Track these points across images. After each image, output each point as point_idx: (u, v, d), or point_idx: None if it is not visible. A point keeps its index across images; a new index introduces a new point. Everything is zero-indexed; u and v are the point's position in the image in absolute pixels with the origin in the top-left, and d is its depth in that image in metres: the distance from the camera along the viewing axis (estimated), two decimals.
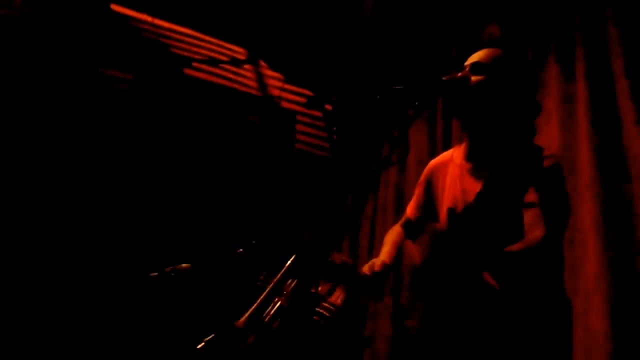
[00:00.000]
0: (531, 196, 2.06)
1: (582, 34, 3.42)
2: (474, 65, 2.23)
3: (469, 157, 2.32)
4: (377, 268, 2.23)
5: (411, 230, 2.55)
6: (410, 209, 2.60)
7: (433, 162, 2.57)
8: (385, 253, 2.39)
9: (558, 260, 2.16)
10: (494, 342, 1.99)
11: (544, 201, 2.04)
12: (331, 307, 3.31)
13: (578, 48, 3.42)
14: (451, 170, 2.37)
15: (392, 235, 2.55)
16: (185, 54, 4.92)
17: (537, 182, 2.07)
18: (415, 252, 2.35)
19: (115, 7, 4.58)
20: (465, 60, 2.31)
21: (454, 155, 2.43)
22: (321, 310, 3.30)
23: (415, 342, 2.17)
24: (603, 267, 3.04)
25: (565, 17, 3.54)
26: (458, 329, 2.04)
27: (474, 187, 2.14)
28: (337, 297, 3.39)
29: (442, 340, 2.07)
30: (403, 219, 2.64)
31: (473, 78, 2.20)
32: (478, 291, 2.03)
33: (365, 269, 2.25)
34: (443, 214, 2.30)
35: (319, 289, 3.39)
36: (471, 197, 2.12)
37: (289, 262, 2.31)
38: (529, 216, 2.03)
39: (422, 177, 2.56)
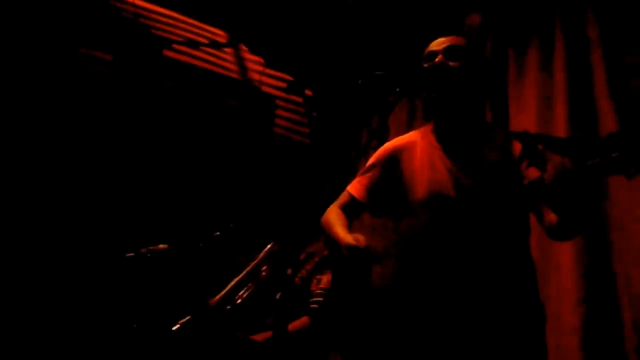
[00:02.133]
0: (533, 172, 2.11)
1: (561, 25, 3.45)
2: (449, 49, 2.26)
3: (437, 136, 2.35)
4: (362, 243, 2.20)
5: (355, 213, 2.46)
6: (357, 191, 2.49)
7: (392, 145, 2.52)
8: (346, 232, 2.31)
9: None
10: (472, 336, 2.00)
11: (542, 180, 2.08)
12: (322, 292, 3.38)
13: (557, 39, 3.45)
14: (422, 151, 2.36)
15: (337, 216, 2.44)
16: (166, 35, 4.89)
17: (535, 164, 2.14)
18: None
19: None
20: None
21: (420, 135, 2.43)
22: (315, 299, 3.36)
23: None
24: (577, 266, 3.07)
25: (546, 8, 3.56)
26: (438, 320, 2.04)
27: (459, 165, 2.17)
28: (326, 282, 3.44)
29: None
30: (345, 200, 2.51)
31: (451, 63, 2.24)
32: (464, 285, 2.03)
33: (352, 242, 2.20)
34: (419, 193, 2.28)
35: (323, 279, 3.44)
36: (462, 176, 2.15)
37: (267, 247, 2.32)
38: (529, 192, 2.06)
39: (380, 159, 2.50)
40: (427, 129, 2.42)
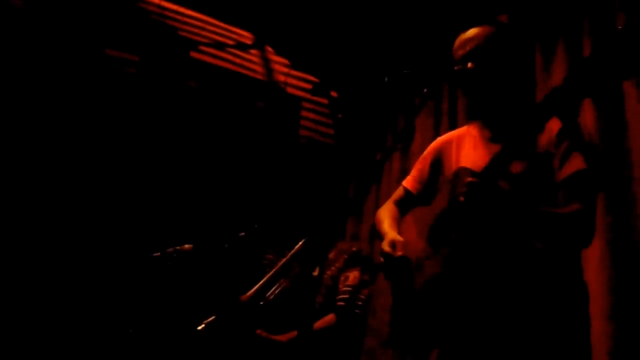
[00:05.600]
0: (577, 163, 2.05)
1: (589, 23, 3.41)
2: (476, 51, 2.22)
3: (487, 129, 2.30)
4: (400, 251, 2.16)
5: (409, 206, 2.45)
6: (410, 184, 2.51)
7: (442, 138, 2.54)
8: (393, 230, 2.30)
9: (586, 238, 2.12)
10: (510, 325, 1.97)
11: (587, 172, 2.05)
12: (349, 289, 3.40)
13: (585, 38, 3.40)
14: (466, 143, 2.35)
15: (388, 212, 2.47)
16: (192, 37, 4.92)
17: (579, 149, 2.07)
18: (415, 230, 2.28)
19: None
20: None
21: (469, 129, 2.41)
22: (341, 296, 3.37)
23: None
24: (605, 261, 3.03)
25: (574, 7, 3.52)
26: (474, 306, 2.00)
27: (494, 150, 2.08)
28: (353, 279, 3.45)
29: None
30: (400, 194, 2.54)
31: (472, 65, 2.19)
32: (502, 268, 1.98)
33: (388, 249, 2.18)
34: (450, 171, 2.28)
35: (350, 276, 3.45)
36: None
37: (297, 246, 2.31)
38: (570, 185, 2.03)
39: (428, 153, 2.51)
40: (478, 122, 2.38)
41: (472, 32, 2.27)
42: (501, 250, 1.98)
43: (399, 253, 2.15)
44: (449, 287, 2.02)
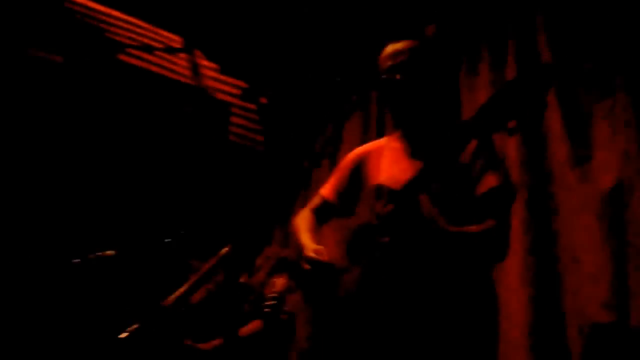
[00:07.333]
0: (491, 180, 2.11)
1: (513, 28, 3.50)
2: (406, 63, 2.24)
3: (407, 141, 2.33)
4: (324, 257, 2.17)
5: (326, 214, 2.45)
6: (327, 192, 2.51)
7: (362, 148, 2.56)
8: (310, 240, 2.29)
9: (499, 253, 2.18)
10: (422, 331, 2.00)
11: (500, 189, 2.11)
12: (276, 295, 3.39)
13: (509, 41, 3.50)
14: (386, 155, 2.37)
15: (305, 221, 2.45)
16: (120, 39, 4.82)
17: (492, 167, 2.14)
18: (333, 239, 2.28)
19: None
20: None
21: (389, 141, 2.44)
22: (268, 302, 3.35)
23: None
24: (525, 270, 3.11)
25: (498, 16, 3.62)
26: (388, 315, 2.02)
27: (415, 166, 2.11)
28: (280, 285, 3.44)
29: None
30: (317, 202, 2.53)
31: (400, 77, 2.21)
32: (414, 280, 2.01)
33: (313, 255, 2.18)
34: (369, 186, 2.30)
35: (277, 282, 3.43)
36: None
37: (222, 251, 2.29)
38: (485, 202, 2.09)
39: (348, 162, 2.52)
40: (398, 134, 2.41)
41: (403, 44, 2.28)
42: (416, 266, 2.02)
43: (325, 259, 2.15)
44: (367, 301, 2.04)
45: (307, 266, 2.17)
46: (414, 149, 2.30)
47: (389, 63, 2.26)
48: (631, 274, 2.78)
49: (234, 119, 5.34)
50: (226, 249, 2.20)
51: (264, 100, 5.35)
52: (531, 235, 3.15)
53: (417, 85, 2.22)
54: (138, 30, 4.94)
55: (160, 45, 4.99)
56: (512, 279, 3.14)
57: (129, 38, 4.88)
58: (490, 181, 2.12)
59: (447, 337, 2.00)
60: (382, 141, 2.52)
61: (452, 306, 2.02)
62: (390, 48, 2.29)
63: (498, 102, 1.83)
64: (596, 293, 2.88)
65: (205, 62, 5.19)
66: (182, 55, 5.11)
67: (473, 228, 2.07)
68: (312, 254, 2.18)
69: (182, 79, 5.10)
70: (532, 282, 3.09)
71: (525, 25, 3.45)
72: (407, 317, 2.00)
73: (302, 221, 2.45)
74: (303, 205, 4.55)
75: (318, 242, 2.27)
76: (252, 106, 5.38)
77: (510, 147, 3.26)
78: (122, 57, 4.80)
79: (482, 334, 2.08)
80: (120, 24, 4.87)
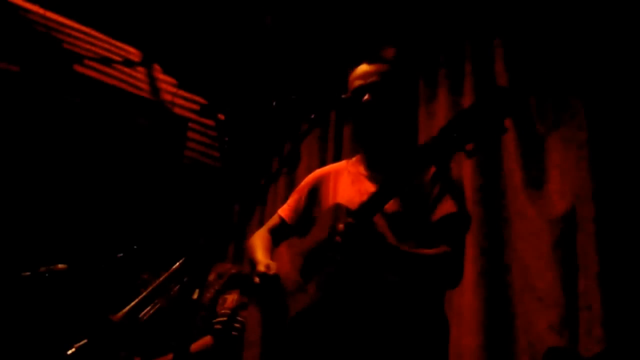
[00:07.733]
0: (447, 207, 2.16)
1: (471, 52, 3.56)
2: (376, 85, 2.26)
3: (366, 165, 2.37)
4: (273, 271, 2.18)
5: (283, 235, 2.47)
6: (285, 213, 2.53)
7: (320, 171, 2.59)
8: (265, 257, 2.31)
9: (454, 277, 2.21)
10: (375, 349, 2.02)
11: (456, 216, 2.15)
12: (227, 312, 3.37)
13: (467, 63, 3.56)
14: (344, 178, 2.40)
15: (261, 240, 2.46)
16: (77, 50, 4.79)
17: (450, 193, 2.18)
18: (287, 257, 2.29)
19: None
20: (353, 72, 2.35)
21: (348, 165, 2.47)
22: (219, 319, 3.34)
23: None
24: (477, 295, 3.15)
25: (456, 39, 3.68)
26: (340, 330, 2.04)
27: (373, 189, 2.12)
28: (231, 301, 3.43)
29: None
30: (275, 222, 2.54)
31: (368, 97, 2.24)
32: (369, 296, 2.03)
33: (263, 269, 2.19)
34: (324, 208, 2.32)
35: (228, 299, 3.41)
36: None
37: (175, 266, 2.28)
38: (440, 227, 2.13)
39: (306, 184, 2.54)
40: (357, 158, 2.45)
41: (375, 66, 2.31)
42: (368, 286, 2.04)
43: (273, 272, 2.17)
44: (319, 320, 2.05)
45: (257, 279, 2.19)
46: (372, 172, 2.34)
47: (360, 83, 2.28)
48: (580, 297, 2.82)
49: (191, 134, 5.33)
50: (178, 263, 2.19)
51: (221, 116, 5.36)
52: (484, 261, 3.17)
53: (385, 107, 2.25)
54: (96, 42, 4.92)
55: (118, 58, 4.97)
56: (464, 303, 3.17)
57: (87, 50, 4.84)
58: (446, 207, 2.16)
59: (394, 356, 2.02)
60: (341, 164, 2.56)
61: (401, 325, 2.05)
62: (362, 68, 2.31)
63: (458, 123, 1.86)
64: (547, 317, 2.90)
65: (163, 77, 5.18)
66: (140, 68, 5.09)
67: (426, 251, 2.11)
68: (263, 268, 2.20)
69: (140, 93, 5.08)
70: (484, 308, 3.11)
71: (482, 49, 3.51)
72: (357, 334, 2.02)
73: (258, 240, 2.46)
74: (259, 222, 4.60)
75: (273, 260, 2.29)
76: (210, 122, 5.38)
77: (466, 172, 3.31)
78: (80, 68, 4.76)
79: (431, 356, 2.11)
80: (78, 35, 4.84)
